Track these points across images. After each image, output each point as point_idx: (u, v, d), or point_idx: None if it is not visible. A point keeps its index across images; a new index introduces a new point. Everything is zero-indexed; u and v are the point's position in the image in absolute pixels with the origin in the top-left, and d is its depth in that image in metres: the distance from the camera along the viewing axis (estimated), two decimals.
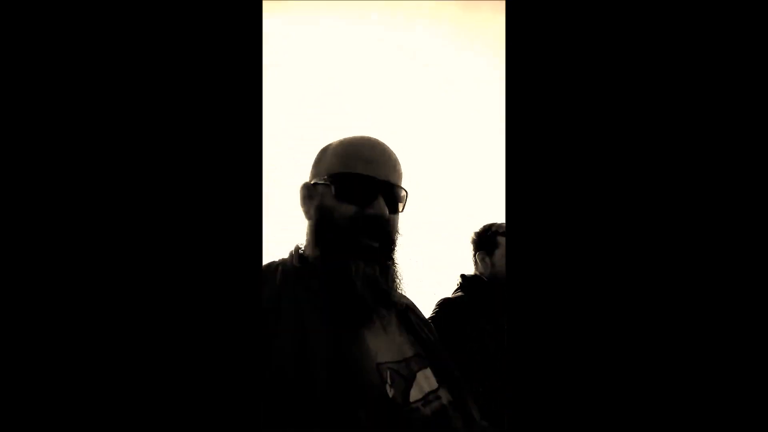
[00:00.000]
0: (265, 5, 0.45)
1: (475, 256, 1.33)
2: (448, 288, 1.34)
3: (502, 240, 1.28)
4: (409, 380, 0.46)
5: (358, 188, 0.54)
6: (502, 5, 0.46)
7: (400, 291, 0.59)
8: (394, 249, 0.57)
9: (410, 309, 0.62)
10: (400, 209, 0.59)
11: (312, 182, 0.60)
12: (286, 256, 0.60)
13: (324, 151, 0.62)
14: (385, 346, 0.48)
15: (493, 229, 1.32)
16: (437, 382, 0.51)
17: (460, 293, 1.29)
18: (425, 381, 0.49)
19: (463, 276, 1.33)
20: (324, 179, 0.56)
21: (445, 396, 0.49)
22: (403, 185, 0.60)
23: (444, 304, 1.23)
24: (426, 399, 0.46)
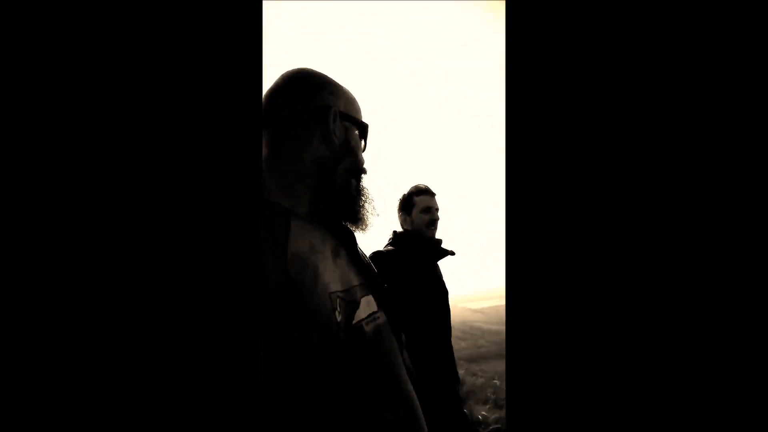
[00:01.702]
0: (264, 5, 0.45)
1: (399, 217, 1.59)
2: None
3: (416, 199, 1.53)
4: (355, 305, 0.53)
5: None
6: (502, 5, 0.46)
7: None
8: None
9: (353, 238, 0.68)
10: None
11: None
12: None
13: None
14: (335, 276, 0.54)
15: (409, 191, 1.57)
16: (377, 305, 0.58)
17: (390, 247, 1.49)
18: (367, 305, 0.56)
19: (394, 232, 1.57)
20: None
21: (382, 317, 0.58)
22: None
23: (377, 257, 1.41)
24: (367, 319, 0.54)
